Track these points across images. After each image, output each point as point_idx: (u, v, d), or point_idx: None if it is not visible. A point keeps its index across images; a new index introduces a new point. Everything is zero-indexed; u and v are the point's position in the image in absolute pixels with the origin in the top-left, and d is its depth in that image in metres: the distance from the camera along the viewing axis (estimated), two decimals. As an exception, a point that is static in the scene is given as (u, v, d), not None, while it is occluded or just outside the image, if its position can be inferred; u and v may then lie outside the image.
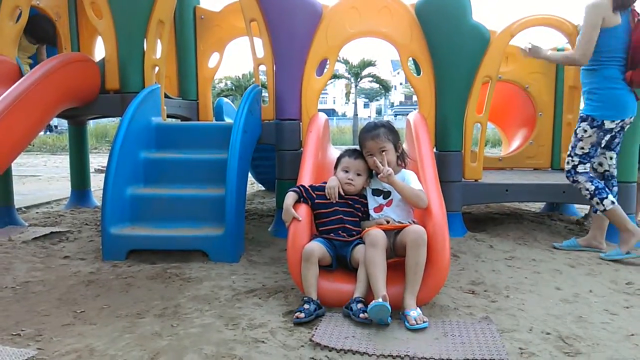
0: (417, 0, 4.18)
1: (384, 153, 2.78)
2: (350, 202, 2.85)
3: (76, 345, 2.11)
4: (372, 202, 2.86)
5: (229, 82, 27.88)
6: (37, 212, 5.31)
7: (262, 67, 4.27)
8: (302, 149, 4.20)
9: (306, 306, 2.36)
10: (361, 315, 2.28)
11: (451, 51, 4.06)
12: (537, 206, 5.60)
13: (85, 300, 2.68)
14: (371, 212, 2.85)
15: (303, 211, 2.77)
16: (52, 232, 4.02)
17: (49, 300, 2.68)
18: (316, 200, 2.83)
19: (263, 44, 4.18)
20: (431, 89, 4.17)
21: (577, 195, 3.74)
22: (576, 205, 5.21)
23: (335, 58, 4.31)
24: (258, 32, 4.19)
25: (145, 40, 4.18)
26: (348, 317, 2.36)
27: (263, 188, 7.30)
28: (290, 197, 2.81)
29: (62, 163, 12.26)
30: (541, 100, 5.16)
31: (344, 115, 48.30)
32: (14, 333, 2.25)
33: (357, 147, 2.99)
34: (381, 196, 2.85)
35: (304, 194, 2.83)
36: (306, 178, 3.21)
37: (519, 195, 4.29)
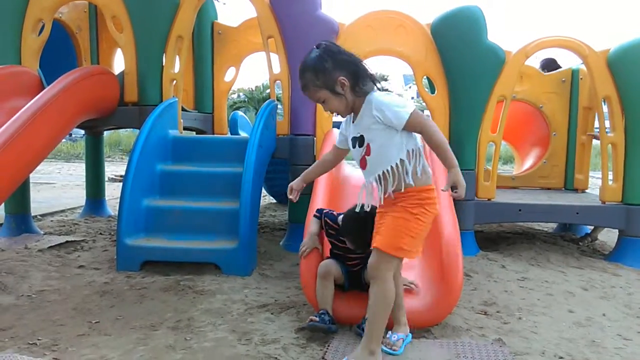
0: (432, 20, 4.24)
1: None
2: None
3: (91, 356, 2.14)
4: (355, 153, 2.22)
5: (241, 94, 28.13)
6: (52, 220, 5.38)
7: (278, 82, 4.32)
8: (315, 164, 4.24)
9: (322, 316, 2.39)
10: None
11: (466, 70, 4.09)
12: (550, 226, 5.57)
13: (100, 310, 2.72)
14: (359, 167, 2.28)
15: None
16: (67, 241, 4.07)
17: (64, 309, 2.72)
18: (328, 238, 2.72)
19: (279, 60, 4.24)
20: (445, 107, 4.19)
21: (590, 216, 3.73)
22: (589, 227, 5.17)
23: (350, 75, 4.35)
24: (275, 48, 4.25)
25: (164, 54, 4.25)
26: (359, 336, 2.36)
27: (274, 201, 7.33)
28: (313, 224, 2.72)
29: (75, 171, 12.39)
30: (555, 120, 5.16)
31: (355, 128, 48.24)
32: (31, 342, 2.29)
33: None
34: (357, 144, 2.19)
35: (323, 225, 2.71)
36: (320, 194, 3.24)
37: (532, 216, 4.28)
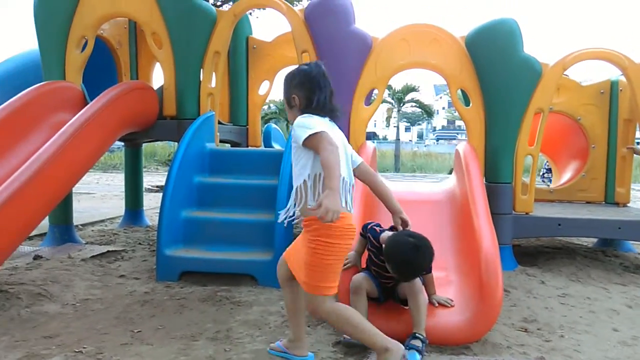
0: (467, 33, 4.22)
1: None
2: None
3: (135, 365, 2.19)
4: None
5: (273, 106, 28.42)
6: (92, 230, 5.54)
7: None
8: (349, 176, 4.25)
9: None
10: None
11: (501, 83, 4.05)
12: (590, 240, 5.41)
13: (142, 319, 2.78)
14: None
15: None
16: (108, 251, 4.19)
17: (107, 318, 2.80)
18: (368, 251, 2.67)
19: (314, 74, 4.28)
20: (481, 120, 4.16)
21: (633, 231, 3.62)
22: (631, 242, 5.01)
23: (384, 88, 4.38)
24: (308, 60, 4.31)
25: (201, 69, 4.36)
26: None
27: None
28: (359, 244, 2.68)
29: (112, 181, 12.73)
30: (594, 132, 5.04)
31: (384, 138, 48.19)
32: (77, 350, 2.36)
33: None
34: None
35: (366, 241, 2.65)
36: (356, 205, 3.25)
37: (572, 230, 4.18)
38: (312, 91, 2.15)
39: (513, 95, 4.06)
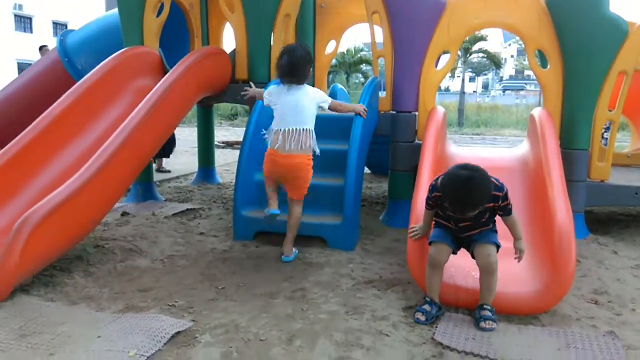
0: (548, -10, 4.00)
1: None
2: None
3: (223, 320, 2.42)
4: None
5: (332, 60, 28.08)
6: (169, 187, 5.90)
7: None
8: (417, 140, 4.26)
9: (427, 307, 2.45)
10: (481, 324, 2.34)
11: (583, 44, 3.85)
12: (669, 207, 5.18)
13: (224, 276, 3.02)
14: None
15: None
16: (187, 209, 4.48)
17: (193, 274, 3.06)
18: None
19: (383, 36, 4.24)
20: (558, 83, 4.00)
21: None
22: None
23: (456, 50, 4.27)
24: (378, 22, 4.25)
25: (272, 33, 4.42)
26: (466, 319, 2.43)
27: (369, 171, 7.42)
28: (427, 215, 2.67)
29: (181, 136, 13.22)
30: (682, 93, 4.72)
31: (447, 89, 46.56)
32: (170, 304, 2.61)
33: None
34: None
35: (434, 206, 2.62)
36: (426, 171, 3.29)
37: (650, 199, 4.02)
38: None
39: (595, 56, 3.85)
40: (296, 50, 3.24)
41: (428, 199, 2.61)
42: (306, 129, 3.22)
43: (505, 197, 2.44)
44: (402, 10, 4.12)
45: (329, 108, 3.45)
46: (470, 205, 2.35)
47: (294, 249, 3.38)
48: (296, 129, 3.19)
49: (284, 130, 3.19)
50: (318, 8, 5.57)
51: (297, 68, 3.21)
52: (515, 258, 2.52)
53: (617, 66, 3.86)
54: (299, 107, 3.22)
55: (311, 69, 3.44)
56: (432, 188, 2.55)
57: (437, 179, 2.54)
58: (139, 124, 3.34)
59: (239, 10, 4.41)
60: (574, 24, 3.85)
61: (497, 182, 2.43)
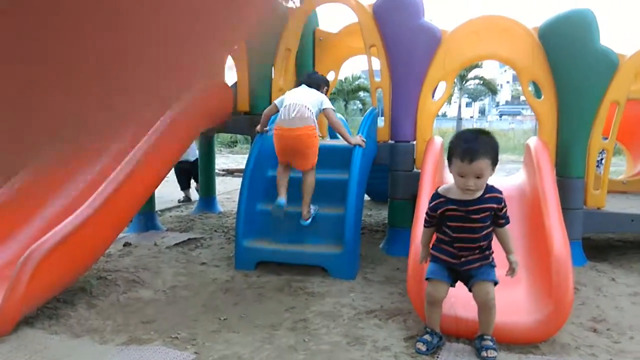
0: (540, 24, 4.14)
1: None
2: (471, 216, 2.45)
3: (226, 352, 2.44)
4: None
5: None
6: (170, 216, 5.95)
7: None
8: (415, 169, 4.33)
9: (428, 337, 2.48)
10: (482, 353, 2.37)
11: (576, 75, 3.96)
12: (666, 233, 5.22)
13: (226, 307, 3.04)
14: None
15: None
16: (189, 239, 4.52)
17: (195, 305, 3.08)
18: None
19: (381, 68, 4.36)
20: (553, 113, 4.10)
21: None
22: None
23: (452, 81, 4.39)
24: (376, 54, 4.38)
25: (273, 67, 4.54)
26: (467, 349, 2.46)
27: (368, 198, 7.47)
28: (425, 235, 2.62)
29: (181, 163, 13.34)
30: (675, 121, 4.83)
31: (444, 115, 46.99)
32: (173, 336, 2.63)
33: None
34: None
35: (434, 222, 2.58)
36: (425, 199, 3.33)
37: (646, 226, 4.07)
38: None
39: (588, 87, 3.97)
40: (315, 73, 4.10)
41: (429, 209, 2.54)
42: (307, 106, 3.59)
43: (505, 202, 2.47)
44: (399, 45, 4.25)
45: (330, 124, 3.94)
46: (480, 150, 2.30)
47: (312, 208, 3.73)
48: (298, 103, 3.59)
49: (287, 105, 3.60)
50: (317, 41, 5.70)
51: (313, 78, 3.88)
52: (507, 274, 2.44)
53: (609, 97, 3.96)
54: (303, 94, 3.70)
55: (326, 89, 4.11)
56: (435, 196, 2.53)
57: (438, 188, 2.56)
58: (144, 156, 3.41)
59: (241, 45, 4.54)
60: (566, 57, 3.97)
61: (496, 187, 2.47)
